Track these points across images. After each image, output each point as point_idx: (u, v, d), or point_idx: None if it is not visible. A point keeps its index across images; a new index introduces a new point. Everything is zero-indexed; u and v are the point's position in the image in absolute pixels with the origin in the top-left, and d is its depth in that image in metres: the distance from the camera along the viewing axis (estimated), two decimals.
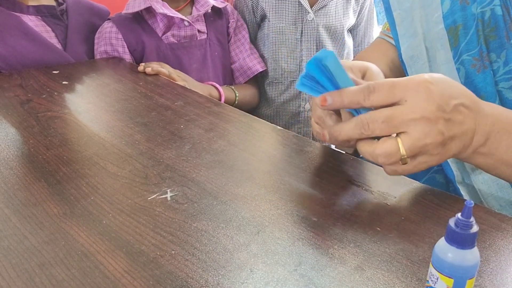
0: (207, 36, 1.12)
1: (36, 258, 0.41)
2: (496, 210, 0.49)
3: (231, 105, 0.84)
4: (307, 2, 1.17)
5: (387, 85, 0.47)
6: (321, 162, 0.58)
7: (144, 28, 1.07)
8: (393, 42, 0.76)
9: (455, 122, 0.46)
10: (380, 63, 0.70)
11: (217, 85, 1.09)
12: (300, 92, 1.24)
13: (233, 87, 1.15)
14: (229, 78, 1.20)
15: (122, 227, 0.45)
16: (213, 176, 0.54)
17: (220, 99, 1.07)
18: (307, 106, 1.25)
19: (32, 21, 0.97)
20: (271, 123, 0.70)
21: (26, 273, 0.39)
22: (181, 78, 0.97)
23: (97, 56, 1.06)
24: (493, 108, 0.51)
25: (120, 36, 1.05)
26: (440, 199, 0.50)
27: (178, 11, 1.09)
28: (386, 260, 0.41)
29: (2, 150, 0.59)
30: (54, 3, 1.03)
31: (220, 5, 1.15)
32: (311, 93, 0.51)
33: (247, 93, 1.19)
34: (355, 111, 0.49)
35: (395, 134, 0.47)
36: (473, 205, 0.32)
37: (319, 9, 1.18)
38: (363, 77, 0.57)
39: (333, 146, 0.63)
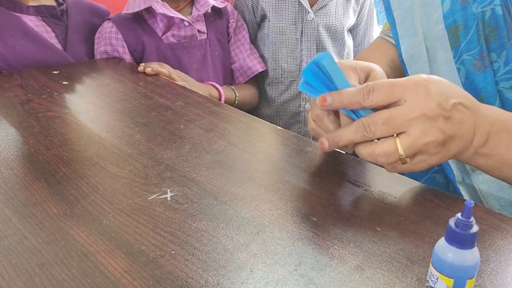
0: (207, 36, 1.12)
1: (36, 258, 0.41)
2: (496, 210, 0.49)
3: (231, 105, 0.84)
4: (307, 2, 1.17)
5: (386, 85, 0.47)
6: (321, 162, 0.58)
7: (144, 28, 1.07)
8: (393, 41, 0.76)
9: (455, 121, 0.46)
10: (381, 63, 0.70)
11: (217, 85, 1.09)
12: (300, 92, 1.24)
13: (233, 87, 1.15)
14: (229, 78, 1.20)
15: (122, 227, 0.45)
16: (213, 176, 0.54)
17: (220, 99, 1.07)
18: (307, 106, 1.25)
19: (32, 21, 0.97)
20: (271, 123, 0.70)
21: (26, 273, 0.39)
22: (181, 78, 0.97)
23: (97, 56, 1.06)
24: (490, 109, 0.51)
25: (120, 36, 1.05)
26: (440, 199, 0.50)
27: (178, 11, 1.09)
28: (386, 260, 0.41)
29: (2, 150, 0.59)
30: (54, 3, 1.03)
31: (220, 5, 1.15)
32: (312, 95, 0.51)
33: (247, 93, 1.19)
34: (354, 113, 0.49)
35: (396, 134, 0.47)
36: (473, 205, 0.32)
37: (319, 9, 1.18)
38: (366, 78, 0.56)
39: None
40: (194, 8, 1.12)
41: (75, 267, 0.40)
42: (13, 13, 0.95)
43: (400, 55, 0.73)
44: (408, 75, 0.69)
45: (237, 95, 1.14)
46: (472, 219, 0.32)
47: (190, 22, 1.08)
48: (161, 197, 0.50)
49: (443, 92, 0.47)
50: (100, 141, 0.63)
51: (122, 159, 0.58)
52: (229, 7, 1.19)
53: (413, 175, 0.54)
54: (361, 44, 1.32)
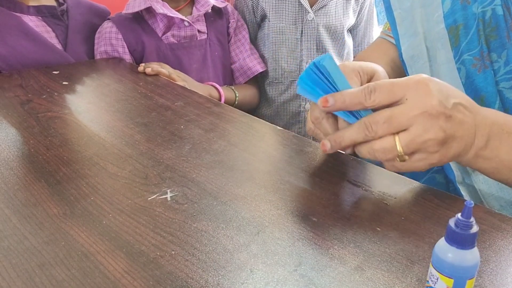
0: (207, 36, 1.12)
1: (36, 258, 0.41)
2: (496, 210, 0.49)
3: (231, 106, 0.84)
4: (307, 2, 1.17)
5: (387, 85, 0.47)
6: (321, 162, 0.58)
7: (144, 28, 1.07)
8: (394, 41, 0.76)
9: (455, 120, 0.46)
10: (382, 63, 0.70)
11: (217, 86, 1.09)
12: None
13: (233, 87, 1.15)
14: (229, 78, 1.20)
15: (122, 227, 0.45)
16: (213, 176, 0.54)
17: (220, 100, 1.07)
18: (307, 106, 1.25)
19: (33, 21, 0.97)
20: (271, 123, 0.70)
21: (26, 273, 0.39)
22: (181, 79, 0.97)
23: (97, 56, 1.06)
24: (489, 111, 0.51)
25: (120, 36, 1.05)
26: (440, 199, 0.50)
27: (178, 11, 1.09)
28: (386, 260, 0.41)
29: (2, 150, 0.59)
30: (54, 3, 1.03)
31: (220, 4, 1.15)
32: (311, 98, 0.51)
33: (247, 93, 1.19)
34: (352, 116, 0.50)
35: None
36: (473, 205, 0.32)
37: (319, 8, 1.18)
38: (369, 81, 0.56)
39: None
40: (194, 8, 1.12)
41: (75, 267, 0.40)
42: (14, 13, 0.95)
43: (400, 55, 0.73)
44: (408, 75, 0.69)
45: (237, 95, 1.14)
46: (472, 219, 0.32)
47: (190, 22, 1.08)
48: (161, 197, 0.50)
49: (443, 91, 0.47)
50: (100, 141, 0.63)
51: (122, 159, 0.58)
52: (230, 7, 1.19)
53: (413, 175, 0.54)
54: (361, 44, 1.32)
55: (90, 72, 0.93)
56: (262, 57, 1.23)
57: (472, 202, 0.32)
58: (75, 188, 0.51)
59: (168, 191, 0.51)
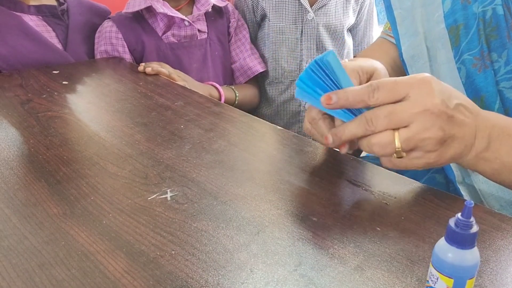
0: (207, 35, 1.12)
1: (36, 258, 0.41)
2: (496, 210, 0.49)
3: (231, 105, 0.84)
4: (307, 1, 1.17)
5: (391, 83, 0.47)
6: (321, 162, 0.58)
7: (144, 28, 1.07)
8: (394, 41, 0.76)
9: (456, 121, 0.46)
10: (382, 63, 0.70)
11: (217, 85, 1.09)
12: None
13: (233, 87, 1.15)
14: (229, 78, 1.20)
15: (122, 227, 0.45)
16: (213, 176, 0.54)
17: (220, 99, 1.07)
18: (308, 105, 1.25)
19: (33, 21, 0.97)
20: (271, 123, 0.70)
21: (26, 273, 0.39)
22: (181, 78, 0.97)
23: (97, 56, 1.06)
24: (489, 113, 0.51)
25: (120, 35, 1.05)
26: (440, 199, 0.50)
27: (179, 10, 1.09)
28: (386, 260, 0.41)
29: (2, 150, 0.59)
30: (55, 3, 1.03)
31: (221, 4, 1.15)
32: (309, 101, 0.51)
33: (247, 93, 1.19)
34: (352, 113, 0.49)
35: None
36: (473, 205, 0.32)
37: (319, 8, 1.18)
38: (369, 79, 0.56)
39: None
40: (194, 7, 1.12)
41: (75, 267, 0.40)
42: (14, 12, 0.95)
43: (400, 54, 0.73)
44: (408, 75, 0.69)
45: (237, 95, 1.14)
46: (472, 219, 0.32)
47: (191, 21, 1.08)
48: (161, 197, 0.50)
49: (446, 91, 0.47)
50: (100, 141, 0.63)
51: (122, 159, 0.58)
52: (230, 6, 1.19)
53: (413, 175, 0.54)
54: (361, 43, 1.32)
55: (90, 72, 0.93)
56: (262, 56, 1.23)
57: (472, 202, 0.32)
58: (75, 188, 0.51)
59: (168, 191, 0.51)
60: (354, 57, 1.30)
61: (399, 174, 0.55)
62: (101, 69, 0.96)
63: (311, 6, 1.17)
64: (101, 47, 1.05)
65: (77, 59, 1.01)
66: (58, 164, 0.56)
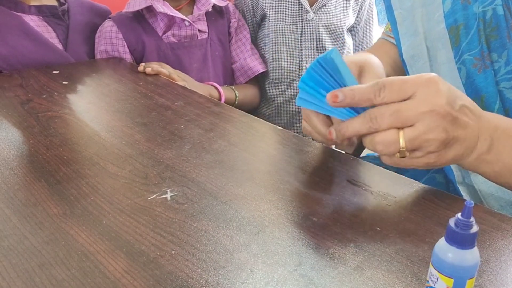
0: (208, 35, 1.12)
1: (36, 258, 0.41)
2: (496, 210, 0.49)
3: (231, 106, 0.84)
4: (307, 1, 1.17)
5: (398, 82, 0.46)
6: (321, 162, 0.58)
7: (145, 28, 1.07)
8: (394, 42, 0.76)
9: (460, 123, 0.46)
10: (383, 63, 0.70)
11: (217, 85, 1.09)
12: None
13: (233, 87, 1.15)
14: (229, 78, 1.20)
15: (122, 227, 0.45)
16: (213, 176, 0.54)
17: (220, 99, 1.07)
18: None
19: (34, 21, 0.97)
20: (271, 123, 0.70)
21: (26, 273, 0.39)
22: (181, 78, 0.97)
23: (97, 55, 1.06)
24: (492, 115, 0.51)
25: (120, 35, 1.05)
26: (440, 199, 0.50)
27: (179, 9, 1.09)
28: (386, 260, 0.41)
29: (2, 150, 0.59)
30: (55, 3, 1.03)
31: (221, 4, 1.15)
32: (312, 107, 0.51)
33: (247, 93, 1.19)
34: (356, 111, 0.49)
35: None
36: (473, 205, 0.32)
37: (319, 8, 1.18)
38: (360, 72, 0.56)
39: (333, 146, 0.63)
40: (195, 7, 1.12)
41: (75, 267, 0.40)
42: (15, 12, 0.95)
43: (400, 54, 0.73)
44: (408, 75, 0.69)
45: (237, 95, 1.14)
46: (472, 219, 0.32)
47: (191, 21, 1.08)
48: (161, 197, 0.50)
49: (451, 92, 0.47)
50: (100, 141, 0.63)
51: (122, 159, 0.58)
52: (231, 6, 1.19)
53: (413, 175, 0.54)
54: (361, 43, 1.32)
55: (90, 72, 0.93)
56: (262, 56, 1.23)
57: (472, 202, 0.32)
58: (75, 188, 0.51)
59: (168, 191, 0.51)
60: None
61: (399, 174, 0.55)
62: (101, 69, 0.97)
63: (311, 6, 1.17)
64: (101, 47, 1.05)
65: (77, 59, 1.01)
66: (58, 164, 0.56)
